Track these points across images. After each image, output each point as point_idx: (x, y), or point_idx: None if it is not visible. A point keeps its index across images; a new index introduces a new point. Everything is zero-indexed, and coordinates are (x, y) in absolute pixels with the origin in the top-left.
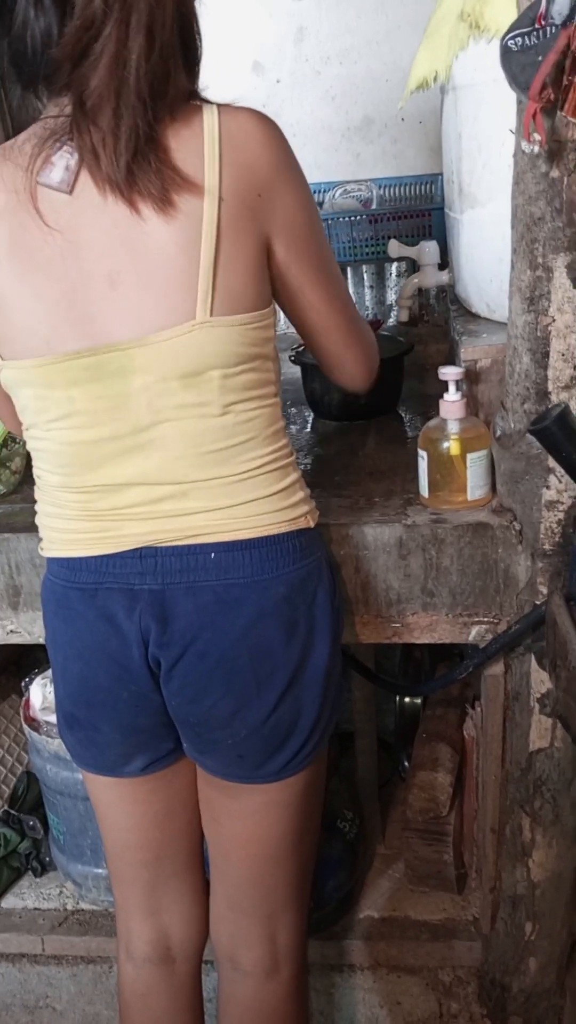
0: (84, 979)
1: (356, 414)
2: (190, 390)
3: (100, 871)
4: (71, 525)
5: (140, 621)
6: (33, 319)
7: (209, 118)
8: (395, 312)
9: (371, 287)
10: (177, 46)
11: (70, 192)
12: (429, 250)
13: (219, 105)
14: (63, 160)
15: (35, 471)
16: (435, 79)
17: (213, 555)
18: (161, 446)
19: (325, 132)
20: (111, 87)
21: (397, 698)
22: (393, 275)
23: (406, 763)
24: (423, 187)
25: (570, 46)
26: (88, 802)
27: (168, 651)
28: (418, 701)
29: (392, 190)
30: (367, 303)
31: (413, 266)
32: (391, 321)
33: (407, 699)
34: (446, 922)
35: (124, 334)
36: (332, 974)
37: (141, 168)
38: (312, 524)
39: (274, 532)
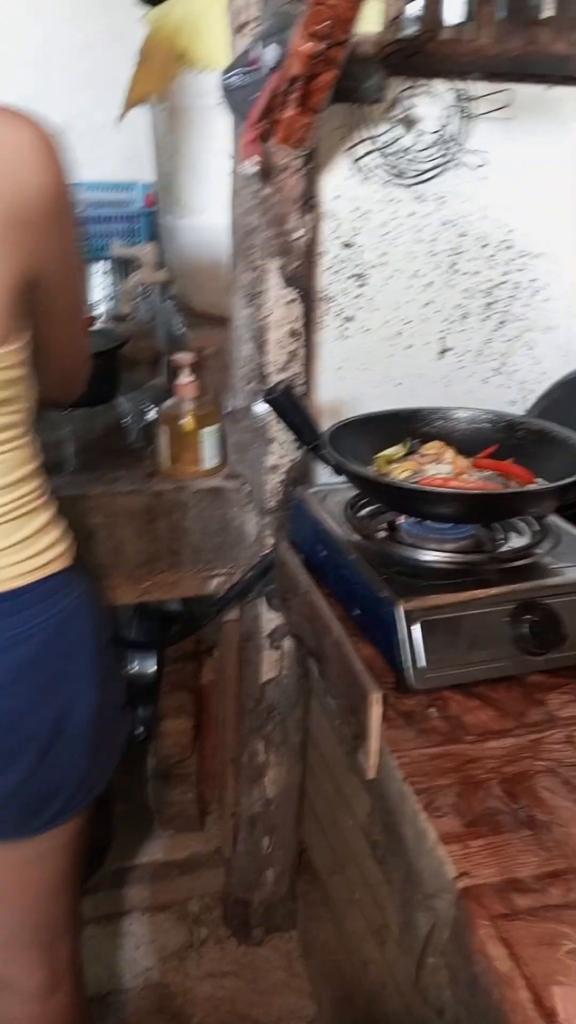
0: None
1: (79, 402)
2: None
3: None
4: None
5: None
6: None
7: None
8: (109, 308)
9: None
10: None
11: None
12: (148, 251)
13: None
14: None
15: None
16: (151, 98)
17: None
18: None
19: None
20: None
21: (125, 669)
22: (100, 274)
23: (139, 729)
24: (124, 192)
25: (278, 88)
26: None
27: None
28: (147, 669)
29: (95, 194)
30: None
31: (122, 266)
32: (101, 318)
33: (134, 669)
34: (192, 857)
35: None
36: (89, 927)
37: None
38: (68, 563)
39: (18, 585)
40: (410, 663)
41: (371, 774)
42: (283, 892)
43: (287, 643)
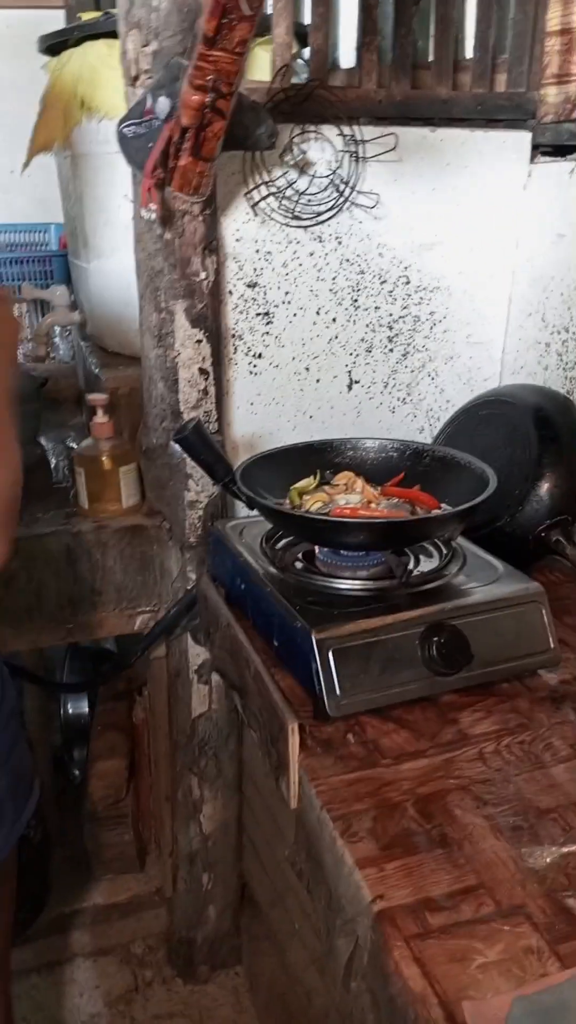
0: None
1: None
2: None
3: None
4: None
5: None
6: None
7: None
8: (28, 349)
9: None
10: None
11: None
12: (61, 293)
13: None
14: None
15: None
16: (55, 145)
17: None
18: None
19: None
20: None
21: (60, 711)
22: (15, 315)
23: (76, 772)
24: (37, 235)
25: (172, 137)
26: None
27: None
28: (82, 710)
29: (7, 236)
30: None
31: (39, 306)
32: (22, 358)
33: (69, 710)
34: (132, 899)
35: None
36: (31, 976)
37: None
38: None
39: None
40: (325, 691)
41: (293, 804)
42: (226, 928)
43: (216, 677)
